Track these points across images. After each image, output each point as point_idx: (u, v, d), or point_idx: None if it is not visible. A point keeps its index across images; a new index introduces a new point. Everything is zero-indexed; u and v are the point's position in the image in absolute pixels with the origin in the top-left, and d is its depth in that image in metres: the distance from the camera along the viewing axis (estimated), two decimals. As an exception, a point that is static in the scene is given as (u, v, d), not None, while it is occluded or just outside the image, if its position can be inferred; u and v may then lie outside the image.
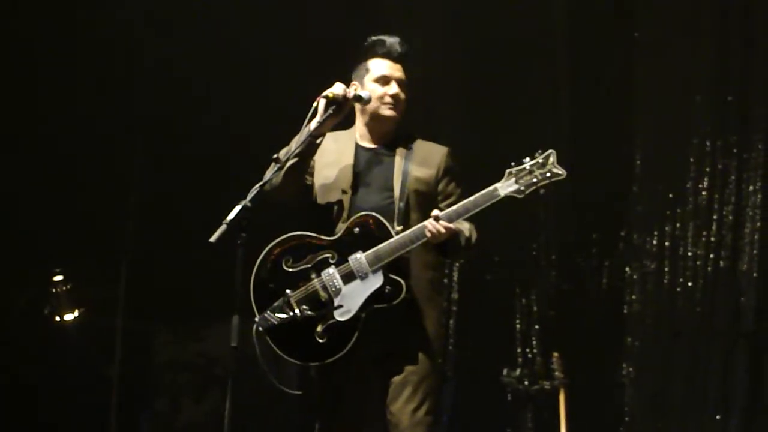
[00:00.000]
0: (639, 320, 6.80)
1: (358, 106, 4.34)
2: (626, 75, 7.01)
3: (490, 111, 7.05)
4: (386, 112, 4.31)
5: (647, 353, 6.76)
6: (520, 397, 6.75)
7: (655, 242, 6.80)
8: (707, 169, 6.69)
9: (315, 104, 4.22)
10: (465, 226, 4.19)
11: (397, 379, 4.16)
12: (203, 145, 7.22)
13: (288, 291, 4.15)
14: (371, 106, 4.30)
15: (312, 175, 4.34)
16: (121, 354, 7.36)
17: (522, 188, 4.07)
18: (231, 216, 3.93)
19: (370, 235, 4.13)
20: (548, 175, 4.06)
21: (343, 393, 4.20)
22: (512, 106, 7.07)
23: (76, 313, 7.37)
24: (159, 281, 7.24)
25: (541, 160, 4.08)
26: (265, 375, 4.09)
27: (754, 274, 6.52)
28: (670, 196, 6.80)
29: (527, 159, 4.08)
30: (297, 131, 4.21)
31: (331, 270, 4.14)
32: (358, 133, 4.38)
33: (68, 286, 7.34)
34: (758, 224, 6.55)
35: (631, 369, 6.78)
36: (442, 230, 4.04)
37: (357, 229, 4.15)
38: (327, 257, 4.16)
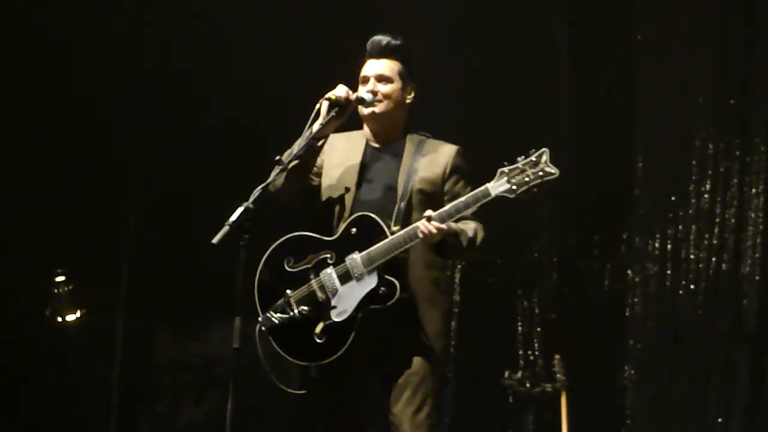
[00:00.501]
0: (640, 323, 6.79)
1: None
2: (628, 76, 7.00)
3: (490, 112, 7.03)
4: (363, 111, 4.30)
5: (648, 356, 6.75)
6: (521, 400, 6.75)
7: (656, 245, 6.78)
8: (709, 172, 6.68)
9: (317, 106, 4.21)
10: (470, 226, 4.15)
11: (398, 380, 4.14)
12: (204, 145, 7.21)
13: (288, 291, 4.16)
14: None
15: (319, 176, 4.34)
16: (122, 354, 7.36)
17: (514, 188, 3.98)
18: (233, 217, 3.91)
19: (366, 235, 4.11)
20: (540, 174, 3.97)
21: (343, 393, 4.19)
22: (513, 106, 7.06)
23: (78, 314, 7.36)
24: (159, 282, 7.23)
25: (534, 159, 3.99)
26: (267, 375, 4.09)
27: (756, 277, 6.51)
28: (672, 198, 6.78)
29: (521, 158, 4.00)
30: (300, 132, 4.20)
31: (329, 270, 4.14)
32: (368, 134, 4.38)
33: (70, 287, 7.33)
34: (760, 227, 6.53)
35: (632, 371, 6.78)
36: (434, 230, 4.00)
37: (354, 229, 4.15)
38: (326, 257, 4.16)
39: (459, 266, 7.05)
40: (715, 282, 6.61)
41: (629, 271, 6.89)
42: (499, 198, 4.01)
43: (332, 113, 4.19)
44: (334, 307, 4.10)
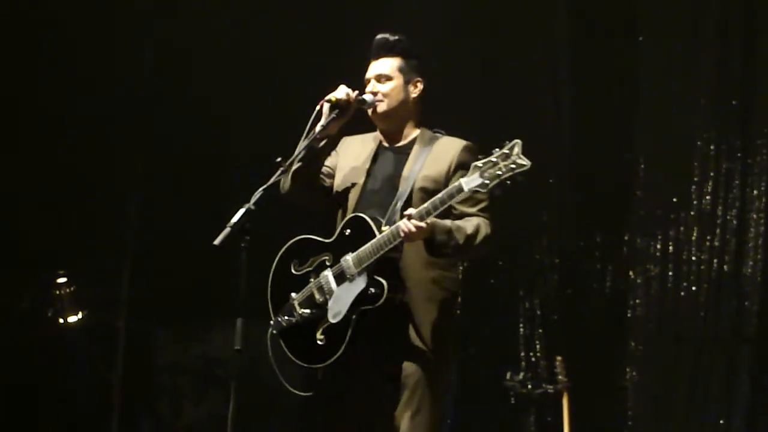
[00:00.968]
0: (642, 324, 6.78)
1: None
2: (629, 77, 6.99)
3: (490, 112, 7.02)
4: (368, 112, 4.31)
5: (650, 357, 6.74)
6: (523, 401, 6.74)
7: (658, 246, 6.78)
8: (711, 173, 6.66)
9: (318, 107, 4.21)
10: (472, 223, 4.09)
11: (398, 381, 4.12)
12: (204, 145, 7.20)
13: (293, 294, 4.19)
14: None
15: (332, 177, 4.35)
16: (123, 355, 7.36)
17: (486, 182, 3.88)
18: (235, 219, 3.92)
19: (358, 236, 4.10)
20: (513, 166, 3.85)
21: (345, 395, 4.18)
22: (513, 107, 7.04)
23: (80, 315, 7.36)
24: (161, 283, 7.22)
25: (506, 151, 3.88)
26: (277, 377, 4.13)
27: (758, 279, 6.50)
28: (674, 200, 6.77)
29: (496, 150, 3.91)
30: (300, 133, 4.20)
31: (327, 272, 4.15)
32: (379, 135, 4.39)
33: (71, 288, 7.33)
34: (762, 228, 6.53)
35: (634, 373, 6.77)
36: (413, 228, 3.95)
37: (348, 231, 4.16)
38: (325, 259, 4.18)
39: (461, 267, 7.03)
40: (717, 283, 6.60)
41: (631, 273, 6.87)
42: (472, 192, 3.92)
43: (333, 115, 4.20)
44: (331, 309, 4.10)
